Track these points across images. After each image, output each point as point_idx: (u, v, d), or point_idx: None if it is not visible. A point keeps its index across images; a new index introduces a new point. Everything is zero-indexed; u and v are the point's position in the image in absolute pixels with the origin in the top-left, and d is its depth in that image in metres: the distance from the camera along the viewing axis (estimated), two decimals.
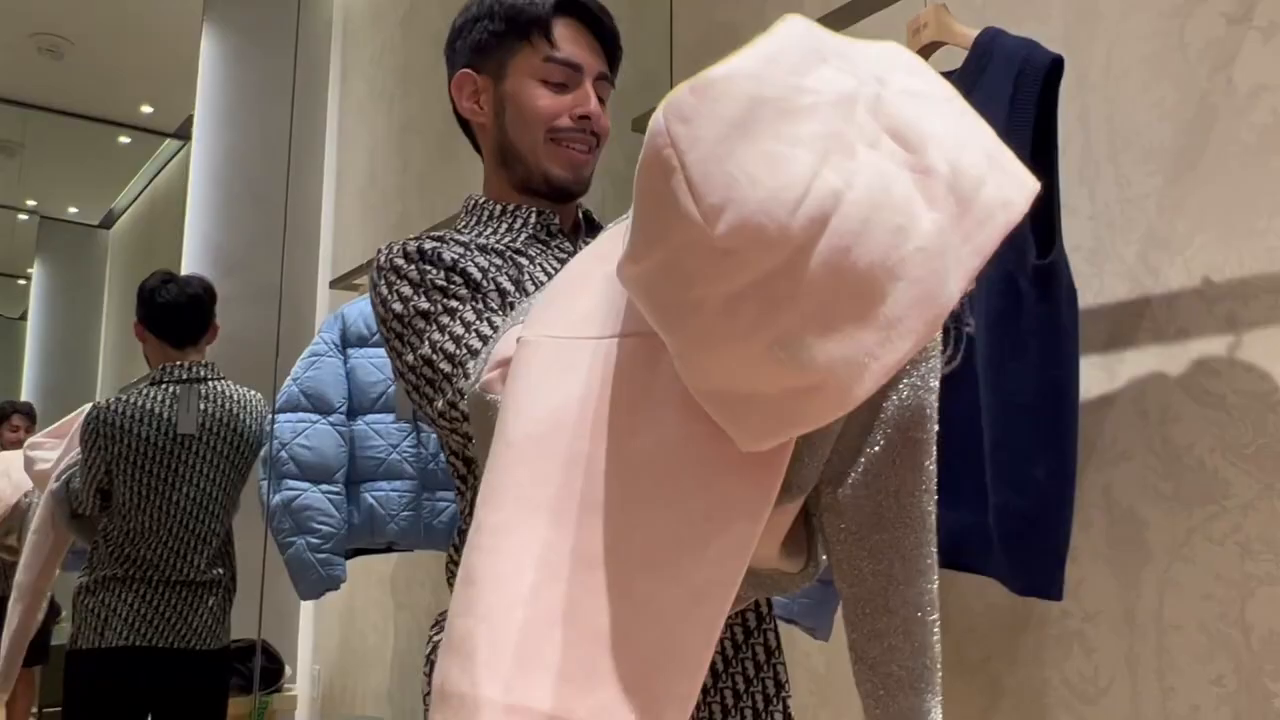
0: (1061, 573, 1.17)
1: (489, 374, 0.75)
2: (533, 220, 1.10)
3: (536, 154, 1.08)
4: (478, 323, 0.91)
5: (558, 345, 0.68)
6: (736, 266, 0.50)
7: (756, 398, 0.54)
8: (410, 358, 0.92)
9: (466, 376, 0.87)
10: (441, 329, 0.91)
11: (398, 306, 0.95)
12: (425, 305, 0.93)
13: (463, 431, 0.89)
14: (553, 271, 1.05)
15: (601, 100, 1.12)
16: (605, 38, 1.13)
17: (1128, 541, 1.31)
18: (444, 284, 0.95)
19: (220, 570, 2.17)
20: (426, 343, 0.91)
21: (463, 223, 1.13)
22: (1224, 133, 1.27)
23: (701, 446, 0.60)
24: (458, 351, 0.89)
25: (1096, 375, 1.36)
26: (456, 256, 0.99)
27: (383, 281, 0.98)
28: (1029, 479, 1.18)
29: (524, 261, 1.04)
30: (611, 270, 0.64)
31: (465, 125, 1.19)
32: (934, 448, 0.70)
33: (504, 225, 1.10)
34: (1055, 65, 1.18)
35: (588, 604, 0.60)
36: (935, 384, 0.69)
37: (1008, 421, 1.19)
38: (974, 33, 1.26)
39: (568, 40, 1.09)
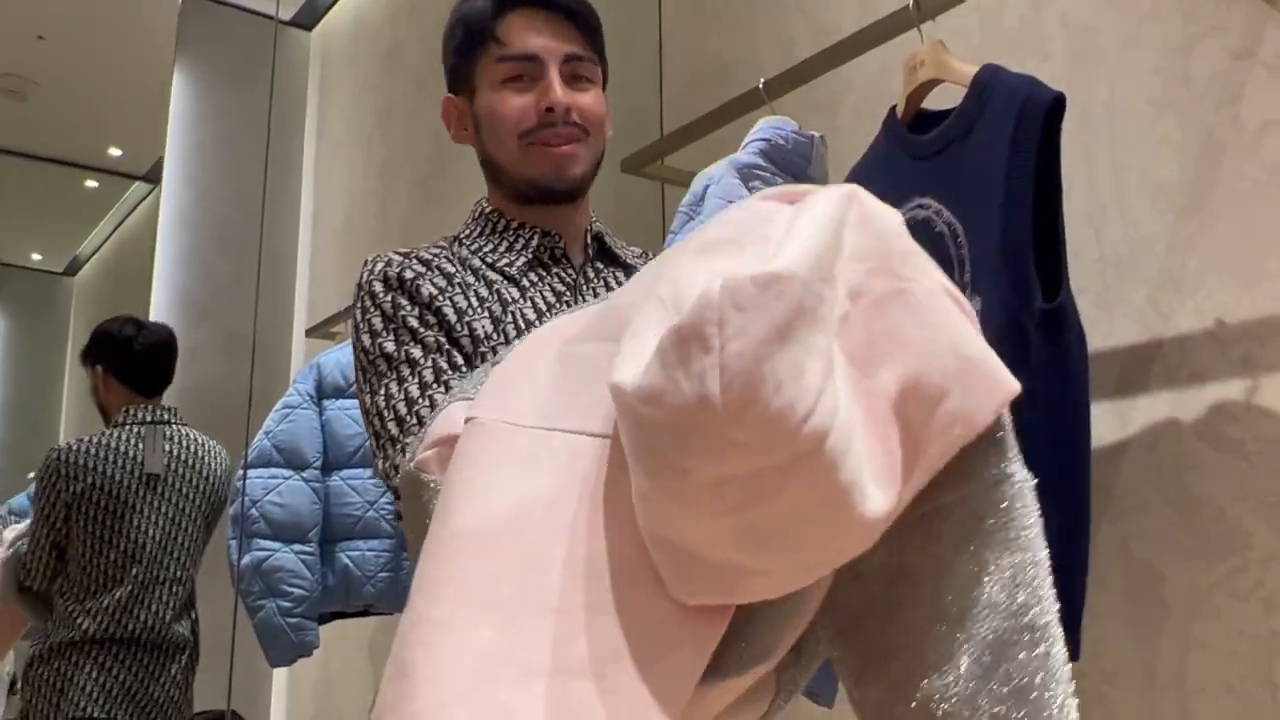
0: (1078, 631, 1.12)
1: (425, 452, 0.72)
2: (535, 242, 1.04)
3: (515, 162, 1.02)
4: (434, 386, 0.90)
5: (516, 433, 0.64)
6: (738, 456, 0.52)
7: (704, 561, 0.55)
8: (368, 402, 0.93)
9: (404, 452, 0.86)
10: (400, 381, 0.91)
11: (366, 340, 0.95)
12: (390, 348, 0.93)
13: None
14: (544, 307, 1.00)
15: (584, 79, 1.04)
16: (568, 14, 1.04)
17: (1147, 597, 1.26)
18: (415, 325, 0.94)
19: (184, 629, 2.08)
20: (382, 392, 0.91)
21: (466, 231, 1.09)
22: (1233, 170, 1.23)
23: None
24: (407, 417, 0.89)
25: (1108, 421, 1.30)
26: (435, 292, 0.96)
27: (359, 305, 0.97)
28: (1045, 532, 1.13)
29: (515, 293, 1.00)
30: (579, 354, 0.64)
31: None
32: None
33: (505, 243, 1.05)
34: (1057, 103, 1.14)
35: (526, 712, 0.56)
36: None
37: None
38: (973, 70, 1.22)
39: (522, 31, 1.02)
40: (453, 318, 0.95)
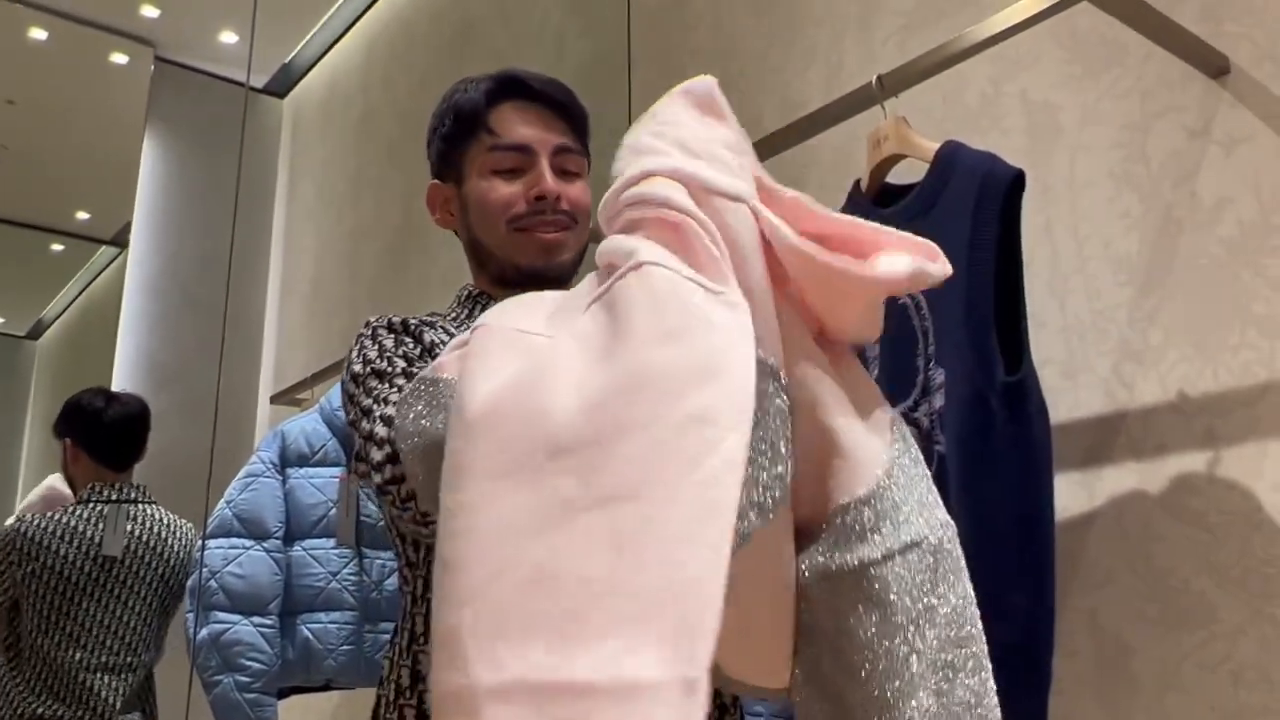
0: (1044, 706, 1.11)
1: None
2: None
3: (504, 248, 1.04)
4: None
5: (518, 335, 0.66)
6: None
7: None
8: (354, 413, 0.91)
9: (388, 447, 0.86)
10: (392, 391, 0.91)
11: (358, 367, 0.95)
12: (384, 367, 0.93)
13: (405, 494, 0.82)
14: None
15: (571, 173, 1.06)
16: (558, 108, 1.08)
17: (1115, 670, 1.25)
18: (413, 357, 0.95)
19: (136, 716, 2.01)
20: (371, 399, 0.90)
21: (453, 314, 1.09)
22: (1191, 245, 1.26)
23: (674, 365, 0.58)
24: (395, 417, 0.88)
25: (1075, 492, 1.31)
26: (435, 341, 0.98)
27: (358, 344, 0.98)
28: (1007, 607, 1.12)
29: None
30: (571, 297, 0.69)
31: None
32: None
33: None
34: (1017, 179, 1.16)
35: (575, 551, 0.54)
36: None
37: (983, 546, 1.13)
38: (935, 146, 1.24)
39: (514, 123, 1.05)
40: None
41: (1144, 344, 1.28)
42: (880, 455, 0.67)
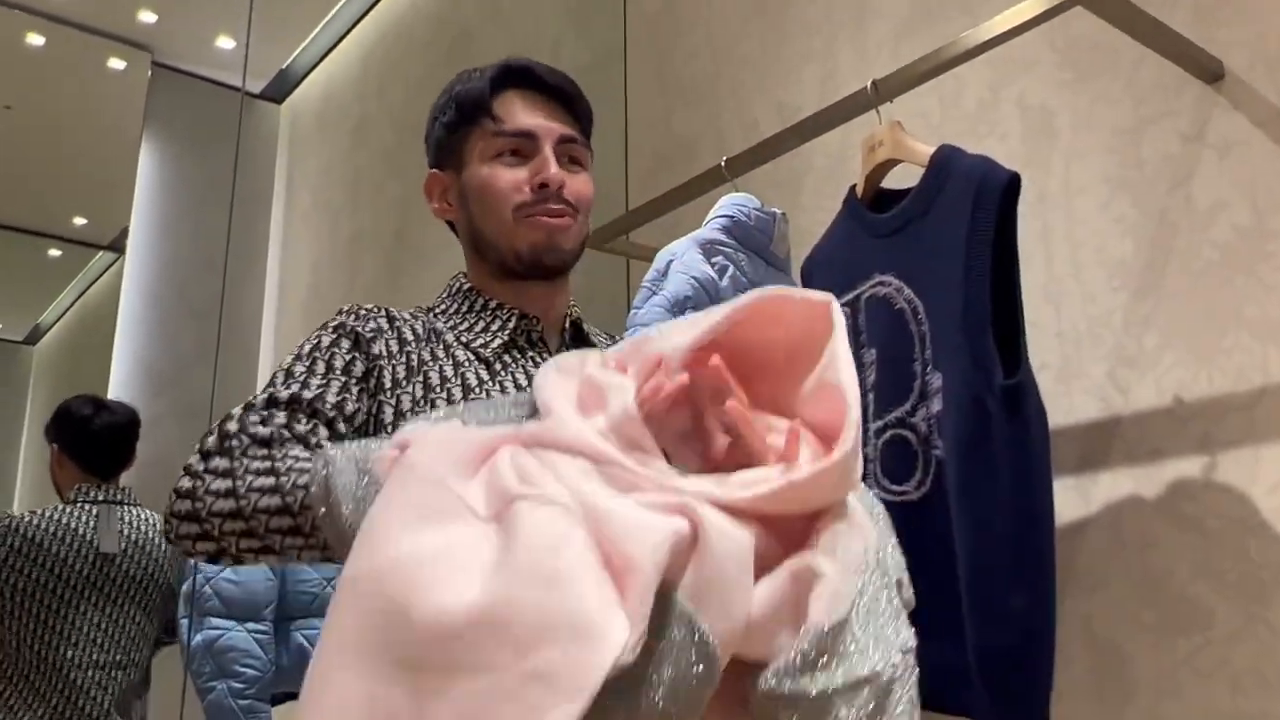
0: (1045, 712, 1.10)
1: (386, 450, 0.71)
2: (513, 324, 1.03)
3: (507, 235, 1.02)
4: (328, 399, 0.91)
5: (444, 499, 0.64)
6: None
7: None
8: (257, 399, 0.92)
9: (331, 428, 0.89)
10: (311, 371, 0.93)
11: (286, 361, 0.97)
12: (315, 352, 0.96)
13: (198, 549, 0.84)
14: (514, 391, 0.98)
15: (577, 161, 1.05)
16: (562, 98, 1.06)
17: (1111, 676, 1.24)
18: (324, 406, 0.93)
19: (132, 717, 2.00)
20: (288, 361, 0.95)
21: (442, 305, 1.08)
22: (1186, 249, 1.26)
23: (534, 613, 0.56)
24: (301, 393, 0.91)
25: (1070, 498, 1.30)
26: (383, 353, 0.97)
27: (312, 338, 0.99)
28: (1008, 611, 1.11)
29: (484, 374, 0.99)
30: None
31: (451, 225, 1.14)
32: None
33: (482, 322, 1.04)
34: (1013, 183, 1.16)
35: None
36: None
37: (982, 550, 1.13)
38: (930, 150, 1.24)
39: (518, 110, 1.03)
40: (387, 383, 0.95)
41: (1139, 348, 1.28)
42: (846, 589, 0.64)
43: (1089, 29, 1.36)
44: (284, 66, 3.51)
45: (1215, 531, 1.18)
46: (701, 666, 0.59)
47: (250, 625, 1.93)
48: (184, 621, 1.96)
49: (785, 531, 0.66)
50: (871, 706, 0.62)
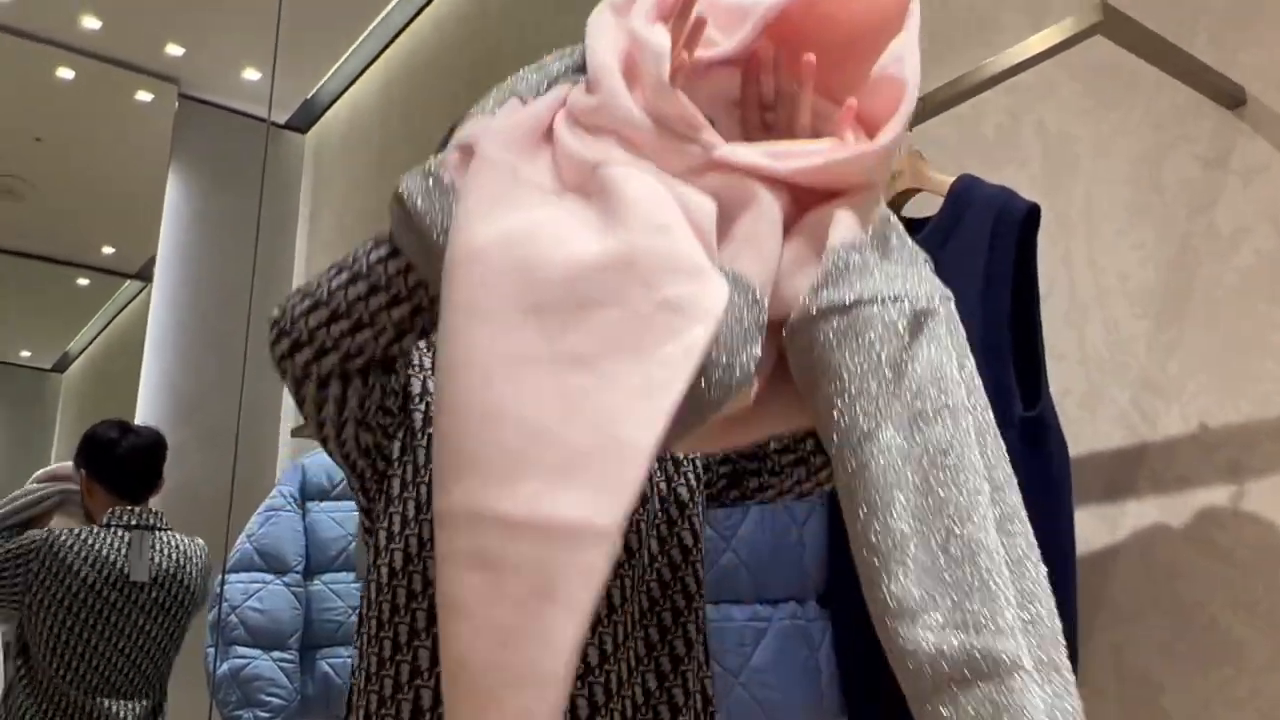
0: None
1: (450, 154, 0.73)
2: None
3: None
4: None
5: (515, 181, 0.68)
6: None
7: None
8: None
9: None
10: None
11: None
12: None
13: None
14: None
15: None
16: None
17: (1142, 707, 1.23)
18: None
19: None
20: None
21: None
22: (1209, 276, 1.25)
23: (657, 256, 0.62)
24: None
25: (1097, 527, 1.29)
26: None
27: None
28: None
29: None
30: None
31: None
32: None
33: None
34: (1032, 214, 1.16)
35: (523, 400, 0.59)
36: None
37: None
38: (950, 180, 1.24)
39: None
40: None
41: (1163, 376, 1.27)
42: (862, 224, 0.71)
43: (1108, 55, 1.36)
44: (308, 97, 3.55)
45: (1245, 561, 1.17)
46: (748, 312, 0.64)
47: (276, 654, 1.94)
48: (209, 650, 1.97)
49: (812, 203, 0.71)
50: (905, 323, 0.66)
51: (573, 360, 0.60)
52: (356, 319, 0.78)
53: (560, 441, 0.58)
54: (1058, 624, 0.58)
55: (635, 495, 0.56)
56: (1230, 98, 1.24)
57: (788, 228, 0.70)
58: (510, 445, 0.58)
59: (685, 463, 0.97)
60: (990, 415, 0.66)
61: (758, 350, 0.64)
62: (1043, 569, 0.62)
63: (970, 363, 0.69)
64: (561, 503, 0.56)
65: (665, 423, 0.57)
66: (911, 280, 0.69)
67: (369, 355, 0.80)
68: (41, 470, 2.32)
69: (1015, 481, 0.65)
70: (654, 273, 0.61)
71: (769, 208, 0.68)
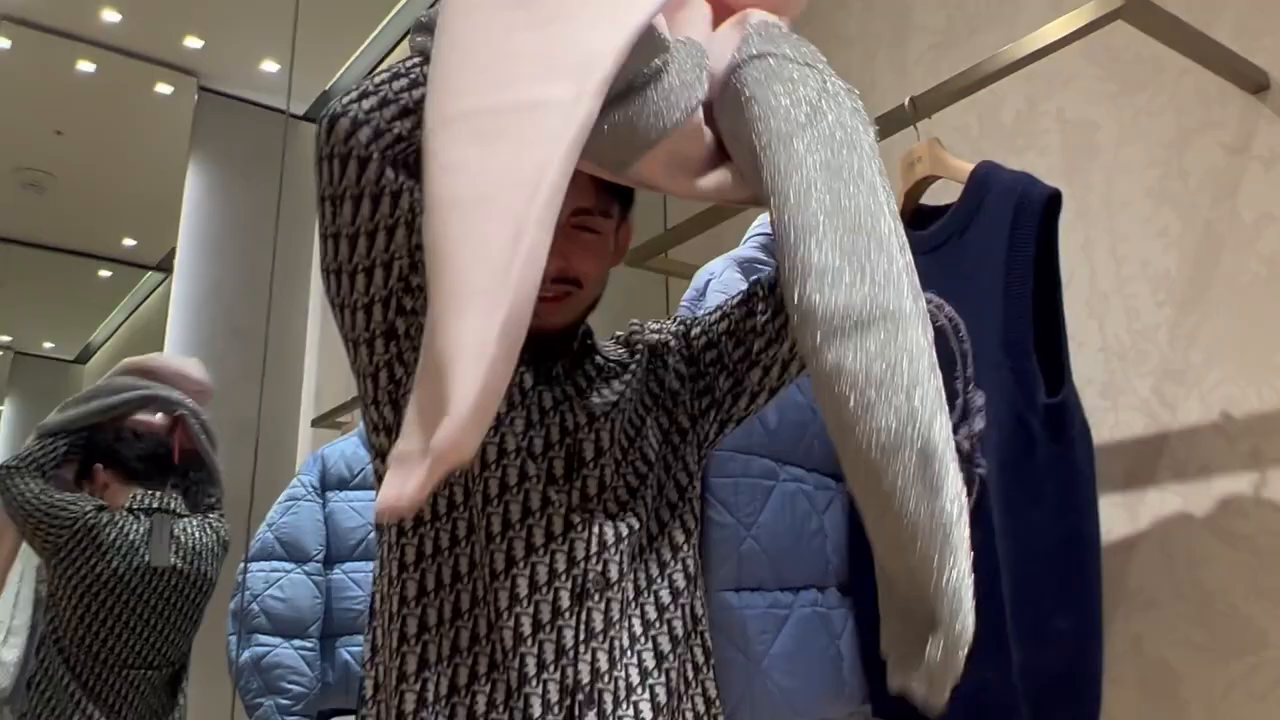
0: None
1: None
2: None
3: None
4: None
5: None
6: None
7: None
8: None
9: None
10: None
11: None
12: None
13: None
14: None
15: (589, 230, 0.96)
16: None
17: (1163, 697, 1.22)
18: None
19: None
20: None
21: None
22: (1232, 263, 1.24)
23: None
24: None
25: (1117, 515, 1.29)
26: None
27: None
28: (1053, 633, 1.10)
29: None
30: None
31: None
32: None
33: None
34: (1052, 199, 1.15)
35: (513, 44, 0.75)
36: None
37: (1027, 570, 1.12)
38: (969, 166, 1.23)
39: None
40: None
41: (1185, 364, 1.26)
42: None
43: (1130, 41, 1.34)
44: (326, 88, 3.56)
45: (1268, 550, 1.16)
46: (692, 59, 0.80)
47: (297, 642, 1.95)
48: (231, 638, 1.98)
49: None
50: (817, 79, 0.84)
51: (547, 21, 0.74)
52: (406, 107, 0.83)
53: (547, 57, 0.72)
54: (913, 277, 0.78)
55: (607, 76, 0.71)
56: (1253, 83, 1.23)
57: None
58: (507, 68, 0.72)
59: (685, 447, 0.98)
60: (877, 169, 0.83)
61: (700, 93, 0.80)
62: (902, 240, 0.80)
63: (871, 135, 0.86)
64: (552, 90, 0.71)
65: (634, 29, 0.73)
66: (818, 62, 0.88)
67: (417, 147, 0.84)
68: (129, 361, 2.32)
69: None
70: None
71: (701, 6, 0.88)
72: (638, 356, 1.03)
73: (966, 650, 0.68)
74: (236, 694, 1.97)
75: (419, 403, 0.68)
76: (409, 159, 0.83)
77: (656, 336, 1.06)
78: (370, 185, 0.82)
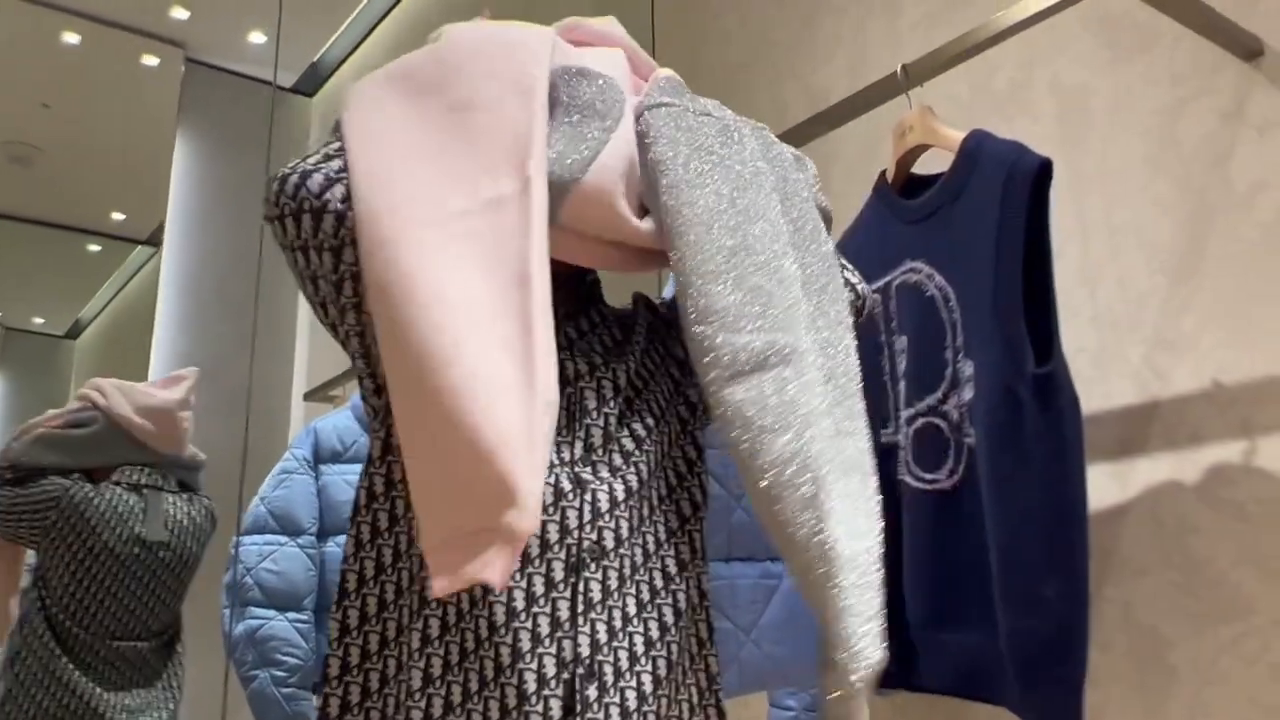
0: (1080, 701, 1.09)
1: None
2: None
3: None
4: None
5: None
6: None
7: None
8: None
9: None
10: None
11: None
12: None
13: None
14: None
15: None
16: None
17: (1152, 663, 1.23)
18: None
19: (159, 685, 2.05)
20: None
21: None
22: (1226, 230, 1.23)
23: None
24: None
25: (1108, 483, 1.29)
26: None
27: None
28: (1040, 600, 1.11)
29: None
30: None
31: None
32: None
33: None
34: (1044, 169, 1.15)
35: (429, 144, 0.80)
36: None
37: (1015, 539, 1.12)
38: (960, 135, 1.23)
39: None
40: None
41: (1177, 332, 1.26)
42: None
43: (1123, 7, 1.33)
44: (315, 60, 3.53)
45: (1257, 517, 1.17)
46: (601, 96, 0.85)
47: (291, 614, 1.96)
48: (225, 612, 1.99)
49: None
50: (715, 125, 0.90)
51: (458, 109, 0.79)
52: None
53: (473, 152, 0.77)
54: (807, 308, 0.82)
55: (539, 154, 0.75)
56: (1247, 50, 1.22)
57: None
58: (438, 170, 0.76)
59: (693, 420, 0.97)
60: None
61: (604, 133, 0.83)
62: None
63: (785, 168, 0.91)
64: (491, 190, 0.74)
65: (540, 105, 0.78)
66: (721, 111, 0.91)
67: None
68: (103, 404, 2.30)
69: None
70: (496, 45, 0.85)
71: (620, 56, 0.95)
72: (640, 313, 1.00)
73: (864, 677, 0.74)
74: (231, 667, 1.98)
75: (444, 495, 0.69)
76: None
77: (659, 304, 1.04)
78: (328, 238, 0.80)
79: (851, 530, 0.76)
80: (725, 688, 1.11)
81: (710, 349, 0.76)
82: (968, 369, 1.15)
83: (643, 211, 0.85)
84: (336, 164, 0.81)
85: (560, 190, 0.78)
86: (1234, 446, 1.20)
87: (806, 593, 0.75)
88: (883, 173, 1.33)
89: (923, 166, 1.31)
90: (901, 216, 1.26)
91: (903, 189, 1.30)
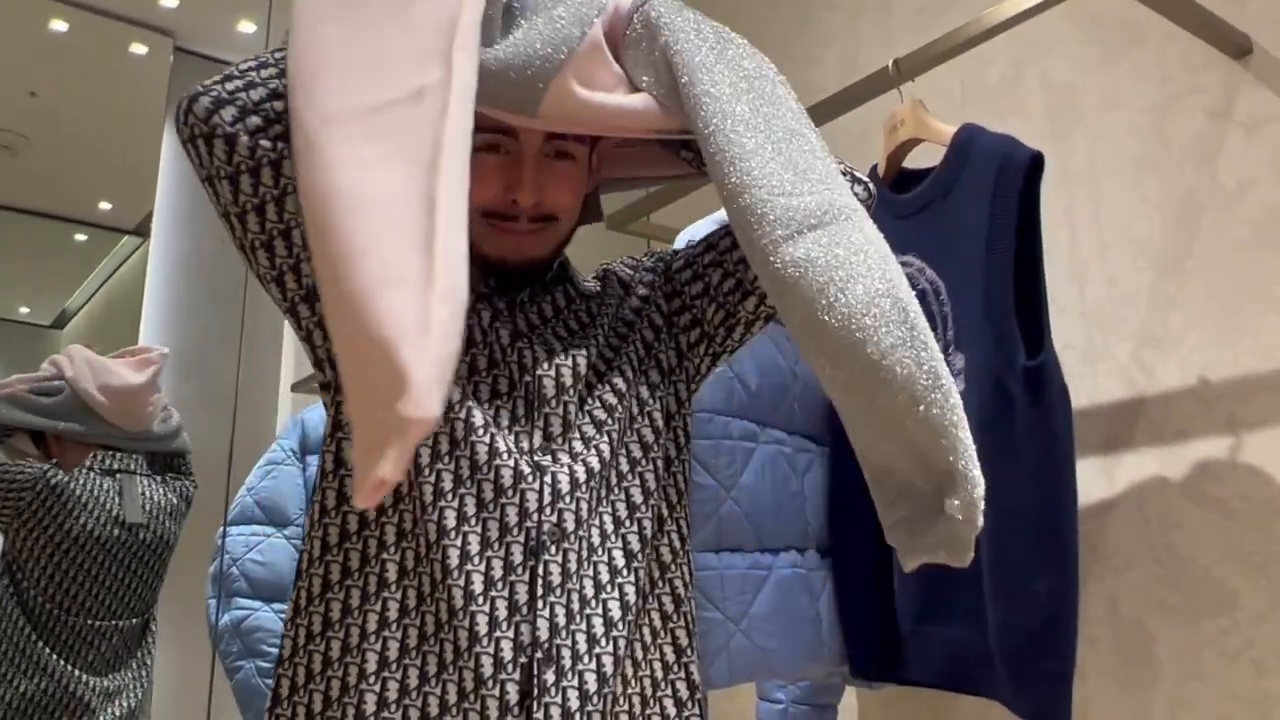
0: (1068, 694, 1.10)
1: None
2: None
3: (476, 235, 0.89)
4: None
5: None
6: None
7: None
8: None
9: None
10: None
11: None
12: None
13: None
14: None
15: (566, 155, 0.92)
16: None
17: (1137, 657, 1.24)
18: None
19: (131, 671, 2.05)
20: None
21: None
22: (1213, 228, 1.24)
23: None
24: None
25: (1095, 479, 1.30)
26: None
27: None
28: (1030, 595, 1.11)
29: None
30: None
31: None
32: None
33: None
34: (1035, 162, 1.15)
35: (372, 29, 0.76)
36: None
37: (1004, 533, 1.13)
38: (952, 130, 1.23)
39: None
40: None
41: (1164, 329, 1.27)
42: None
43: (1114, 5, 1.34)
44: None
45: (1241, 513, 1.18)
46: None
47: (276, 605, 1.95)
48: (211, 602, 1.98)
49: None
50: (712, 30, 0.89)
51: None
52: (277, 91, 0.80)
53: (406, 50, 0.74)
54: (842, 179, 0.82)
55: (467, 39, 0.74)
56: (1236, 48, 1.23)
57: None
58: (379, 57, 0.73)
59: (677, 417, 0.95)
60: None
61: (594, 12, 0.83)
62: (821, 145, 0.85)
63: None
64: (419, 79, 0.72)
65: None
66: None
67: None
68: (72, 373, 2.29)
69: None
70: None
71: None
72: (610, 289, 0.99)
73: (984, 500, 0.74)
74: (216, 657, 1.97)
75: (361, 397, 0.66)
76: (282, 136, 0.81)
77: (630, 271, 1.03)
78: (244, 160, 0.80)
79: (942, 361, 0.75)
80: (714, 678, 1.11)
81: (765, 213, 0.76)
82: (958, 362, 1.16)
83: (625, 90, 0.87)
84: (257, 93, 0.80)
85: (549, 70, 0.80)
86: (1220, 443, 1.21)
87: (915, 430, 0.73)
88: (874, 167, 1.33)
89: (914, 161, 1.31)
90: (893, 211, 1.26)
91: (894, 183, 1.31)
